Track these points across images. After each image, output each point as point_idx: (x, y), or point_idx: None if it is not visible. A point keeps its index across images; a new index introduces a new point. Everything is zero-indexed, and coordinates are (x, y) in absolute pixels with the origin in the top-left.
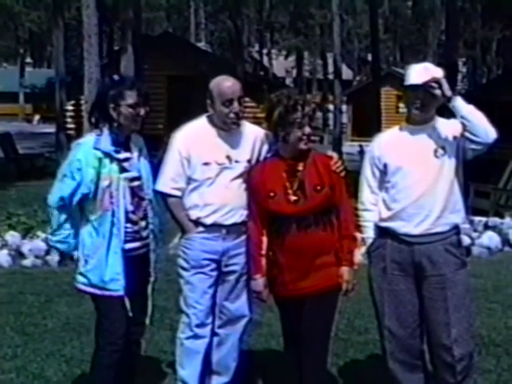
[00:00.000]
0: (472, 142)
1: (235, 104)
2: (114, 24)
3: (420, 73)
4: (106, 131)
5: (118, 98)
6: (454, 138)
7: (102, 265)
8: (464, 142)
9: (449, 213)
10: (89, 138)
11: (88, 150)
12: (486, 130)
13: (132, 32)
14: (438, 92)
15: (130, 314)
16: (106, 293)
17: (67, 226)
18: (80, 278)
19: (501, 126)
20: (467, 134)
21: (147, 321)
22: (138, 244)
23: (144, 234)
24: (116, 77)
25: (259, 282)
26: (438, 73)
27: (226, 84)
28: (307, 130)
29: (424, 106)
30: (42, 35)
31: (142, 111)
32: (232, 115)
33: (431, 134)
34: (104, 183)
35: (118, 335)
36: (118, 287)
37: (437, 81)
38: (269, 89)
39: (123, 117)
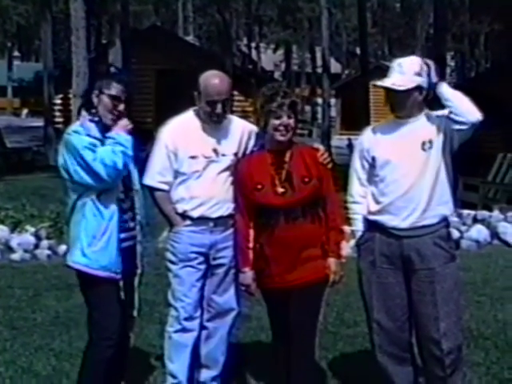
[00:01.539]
0: (456, 122)
1: (218, 106)
2: (102, 17)
3: (401, 74)
4: (85, 119)
5: (103, 86)
6: (441, 128)
7: (111, 247)
8: (450, 127)
9: (436, 204)
10: (77, 127)
11: (83, 137)
12: (468, 109)
13: (120, 25)
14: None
15: (123, 295)
16: (112, 275)
17: None
18: (82, 259)
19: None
20: (451, 116)
21: (135, 313)
22: (125, 235)
23: (131, 224)
24: (113, 69)
25: (248, 275)
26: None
27: (213, 82)
28: (284, 120)
29: (400, 106)
30: (29, 29)
31: (122, 107)
32: (213, 114)
33: (419, 127)
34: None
35: (113, 330)
36: (119, 270)
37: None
38: (257, 82)
39: (102, 105)
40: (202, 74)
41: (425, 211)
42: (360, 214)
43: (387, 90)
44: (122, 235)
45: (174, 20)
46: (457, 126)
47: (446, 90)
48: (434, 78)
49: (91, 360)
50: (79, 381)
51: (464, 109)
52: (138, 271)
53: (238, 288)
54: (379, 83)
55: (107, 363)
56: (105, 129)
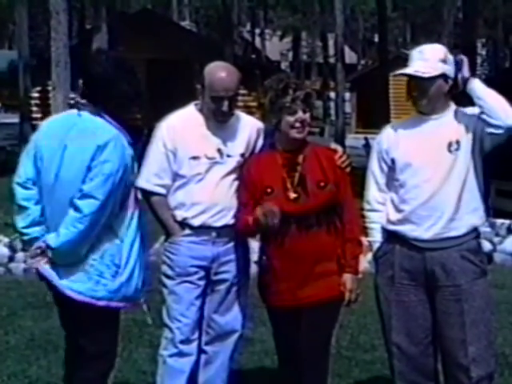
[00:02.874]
0: (490, 125)
1: (225, 103)
2: None
3: (424, 61)
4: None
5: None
6: (470, 128)
7: (136, 274)
8: (482, 129)
9: (463, 213)
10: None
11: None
12: (504, 111)
13: (106, 8)
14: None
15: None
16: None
17: None
18: (106, 294)
19: None
20: (485, 117)
21: None
22: None
23: None
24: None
25: (258, 209)
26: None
27: (220, 76)
28: (300, 115)
29: (424, 97)
30: (2, 11)
31: None
32: (218, 113)
33: (445, 125)
34: (132, 178)
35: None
36: (141, 294)
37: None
38: (261, 74)
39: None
40: (207, 66)
41: (451, 221)
42: (378, 223)
43: (410, 78)
44: None
45: (167, 3)
46: (490, 130)
47: (478, 86)
48: (466, 73)
49: None
50: None
51: (500, 110)
52: None
53: (241, 307)
54: (400, 71)
55: None
56: None
